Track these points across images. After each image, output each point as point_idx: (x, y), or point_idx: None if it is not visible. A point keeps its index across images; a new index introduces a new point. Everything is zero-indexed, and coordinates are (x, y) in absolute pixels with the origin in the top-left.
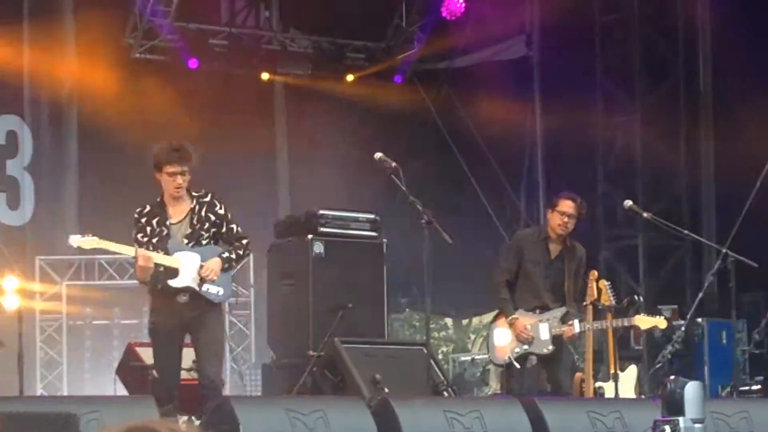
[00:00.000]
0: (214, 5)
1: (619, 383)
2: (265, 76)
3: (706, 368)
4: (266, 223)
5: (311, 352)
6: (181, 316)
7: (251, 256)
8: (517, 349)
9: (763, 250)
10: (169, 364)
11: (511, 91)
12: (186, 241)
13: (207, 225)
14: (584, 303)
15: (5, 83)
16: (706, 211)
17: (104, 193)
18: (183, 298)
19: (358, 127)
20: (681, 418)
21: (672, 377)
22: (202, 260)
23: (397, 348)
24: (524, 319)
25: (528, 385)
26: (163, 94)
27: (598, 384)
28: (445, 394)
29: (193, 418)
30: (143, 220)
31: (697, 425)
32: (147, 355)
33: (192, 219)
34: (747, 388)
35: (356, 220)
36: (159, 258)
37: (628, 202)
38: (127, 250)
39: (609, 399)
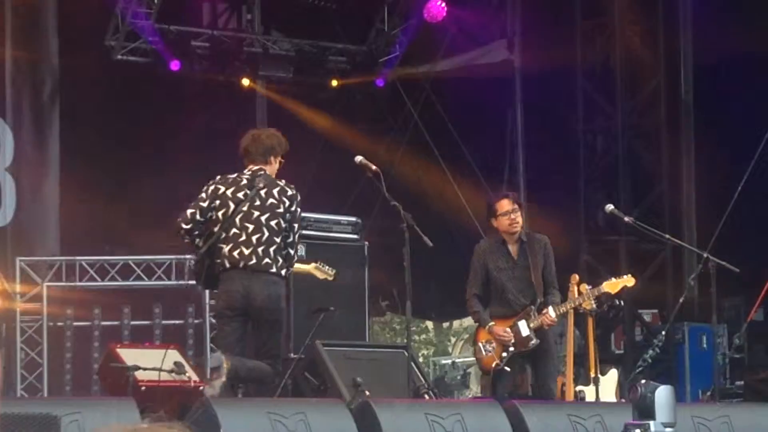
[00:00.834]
0: (196, 8)
1: (599, 387)
2: (245, 82)
3: (686, 372)
4: None
5: (292, 355)
6: None
7: None
8: (504, 354)
9: (744, 255)
10: None
11: (493, 95)
12: None
13: None
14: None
15: None
16: (687, 215)
17: (86, 194)
18: None
19: (339, 130)
20: (652, 422)
21: (643, 381)
22: None
23: (378, 351)
24: (502, 324)
25: (511, 387)
26: (145, 96)
27: (578, 388)
28: (426, 397)
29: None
30: None
31: (668, 429)
32: (127, 356)
33: None
34: (728, 392)
35: (338, 223)
36: None
37: (610, 206)
38: None
39: (590, 402)
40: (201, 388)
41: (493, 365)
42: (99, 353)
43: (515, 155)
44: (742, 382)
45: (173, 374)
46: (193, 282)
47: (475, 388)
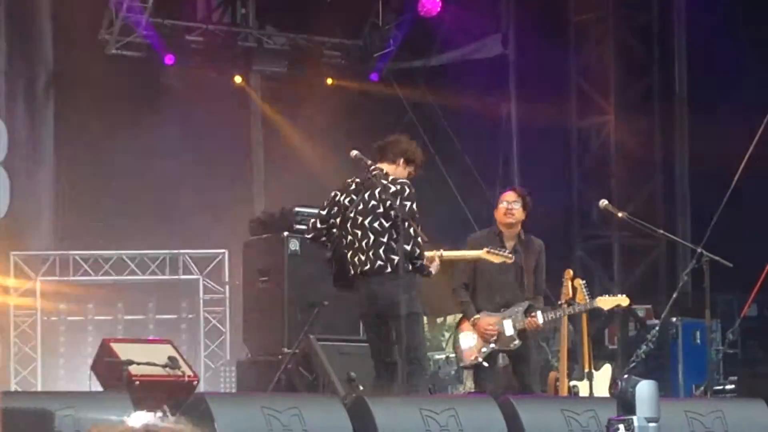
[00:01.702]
0: (191, 2)
1: (593, 382)
2: (237, 79)
3: (680, 368)
4: (242, 220)
5: (286, 350)
6: None
7: (226, 253)
8: (484, 349)
9: (738, 250)
10: None
11: (487, 90)
12: None
13: None
14: (559, 302)
15: None
16: (681, 210)
17: (80, 188)
18: None
19: (333, 124)
20: (635, 417)
21: (625, 376)
22: None
23: None
24: (487, 318)
25: (503, 384)
26: (139, 90)
27: (572, 383)
28: None
29: (167, 414)
30: None
31: (652, 424)
32: (121, 350)
33: None
34: (721, 387)
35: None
36: None
37: (603, 202)
38: None
39: (583, 398)
40: (194, 383)
41: (471, 359)
42: (93, 348)
43: (509, 150)
44: (736, 378)
45: (167, 369)
46: (187, 276)
47: (469, 384)
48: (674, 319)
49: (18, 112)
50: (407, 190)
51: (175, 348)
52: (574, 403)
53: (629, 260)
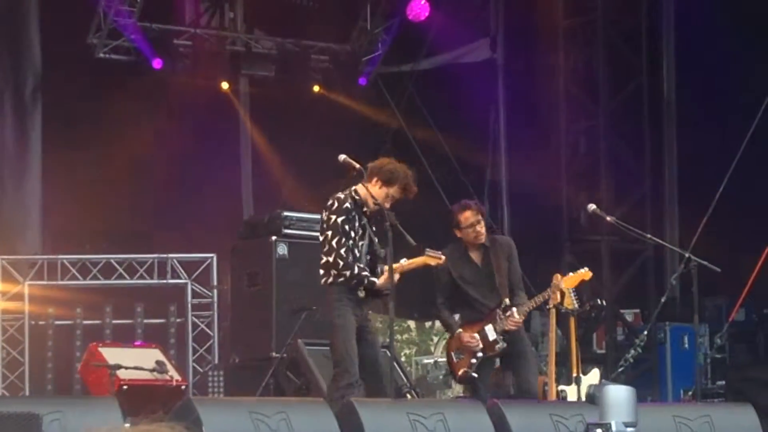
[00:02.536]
0: (179, 6)
1: (581, 386)
2: (224, 85)
3: (668, 372)
4: (230, 225)
5: (274, 354)
6: None
7: (214, 257)
8: (473, 360)
9: (726, 255)
10: None
11: (476, 94)
12: None
13: None
14: (547, 307)
15: None
16: (669, 215)
17: (67, 193)
18: None
19: (321, 129)
20: (613, 422)
21: (598, 383)
22: None
23: None
24: (468, 331)
25: (492, 383)
26: (127, 94)
27: (560, 387)
28: (408, 396)
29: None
30: None
31: (629, 429)
32: (109, 355)
33: None
34: (709, 392)
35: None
36: None
37: (592, 206)
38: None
39: (572, 402)
40: (182, 387)
41: (461, 372)
42: (81, 352)
43: (498, 154)
44: (724, 382)
45: (155, 373)
46: (175, 281)
47: (457, 388)
48: (662, 324)
49: (6, 116)
50: (333, 204)
51: (163, 352)
52: (562, 408)
53: (618, 264)
